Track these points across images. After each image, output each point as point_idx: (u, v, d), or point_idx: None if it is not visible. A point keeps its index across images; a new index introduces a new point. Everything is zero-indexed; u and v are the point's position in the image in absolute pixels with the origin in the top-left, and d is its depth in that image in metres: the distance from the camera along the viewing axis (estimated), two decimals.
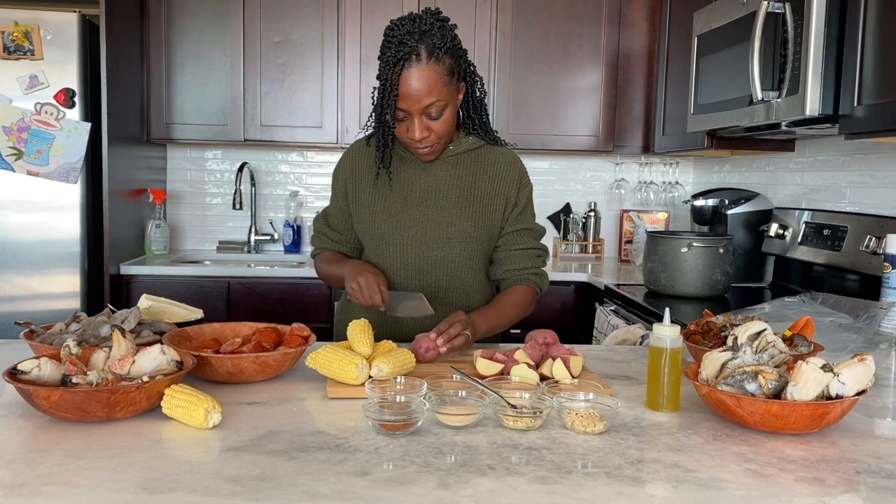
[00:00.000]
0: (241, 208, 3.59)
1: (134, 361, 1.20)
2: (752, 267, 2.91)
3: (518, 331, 1.75)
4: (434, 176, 1.71)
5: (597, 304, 2.90)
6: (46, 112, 2.89)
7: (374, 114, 1.66)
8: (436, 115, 1.58)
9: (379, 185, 1.72)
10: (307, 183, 3.81)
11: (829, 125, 2.11)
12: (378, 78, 1.60)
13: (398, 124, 1.61)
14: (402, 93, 1.54)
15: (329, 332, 1.98)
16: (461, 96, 1.65)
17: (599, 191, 3.90)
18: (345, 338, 1.47)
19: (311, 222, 1.88)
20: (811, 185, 2.75)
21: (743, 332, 1.30)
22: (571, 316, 3.21)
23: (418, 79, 1.52)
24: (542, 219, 3.77)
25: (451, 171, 1.72)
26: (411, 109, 1.56)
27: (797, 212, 2.70)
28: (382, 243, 1.72)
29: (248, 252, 3.70)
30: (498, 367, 1.39)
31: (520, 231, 1.75)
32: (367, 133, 1.77)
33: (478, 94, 1.70)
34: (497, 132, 1.81)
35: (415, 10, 1.60)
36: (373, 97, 1.65)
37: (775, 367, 1.21)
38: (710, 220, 3.05)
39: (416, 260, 1.70)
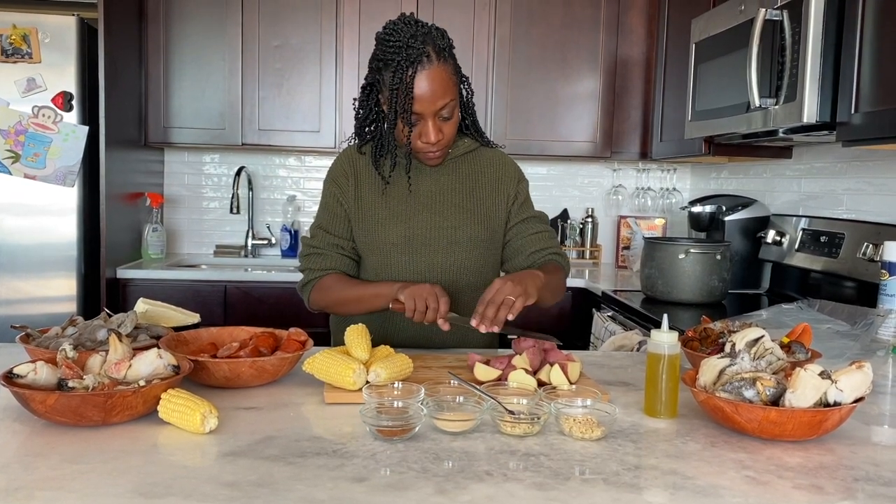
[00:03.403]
0: (238, 212, 3.59)
1: (130, 366, 1.20)
2: (749, 273, 2.91)
3: (515, 336, 1.74)
4: (436, 181, 1.70)
5: (594, 310, 2.90)
6: (44, 115, 2.89)
7: (360, 125, 1.66)
8: (447, 116, 1.57)
9: (381, 193, 1.69)
10: (305, 187, 3.81)
11: (826, 132, 2.12)
12: (364, 88, 1.60)
13: (406, 130, 1.56)
14: (417, 96, 1.51)
15: (326, 337, 1.98)
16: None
17: (597, 197, 3.91)
18: (342, 343, 1.46)
19: (301, 239, 1.84)
20: (808, 191, 2.76)
21: (741, 338, 1.31)
22: (569, 322, 3.21)
23: (433, 80, 1.51)
24: None
25: (452, 174, 1.71)
26: (425, 112, 1.54)
27: (794, 218, 2.71)
28: (391, 252, 1.68)
29: (246, 256, 3.70)
30: (496, 372, 1.39)
31: (528, 219, 1.76)
32: (353, 143, 1.74)
33: (466, 94, 1.69)
34: (484, 133, 1.81)
35: (414, 15, 1.59)
36: (355, 108, 1.65)
37: (773, 373, 1.20)
38: (707, 227, 3.06)
39: (425, 267, 1.69)
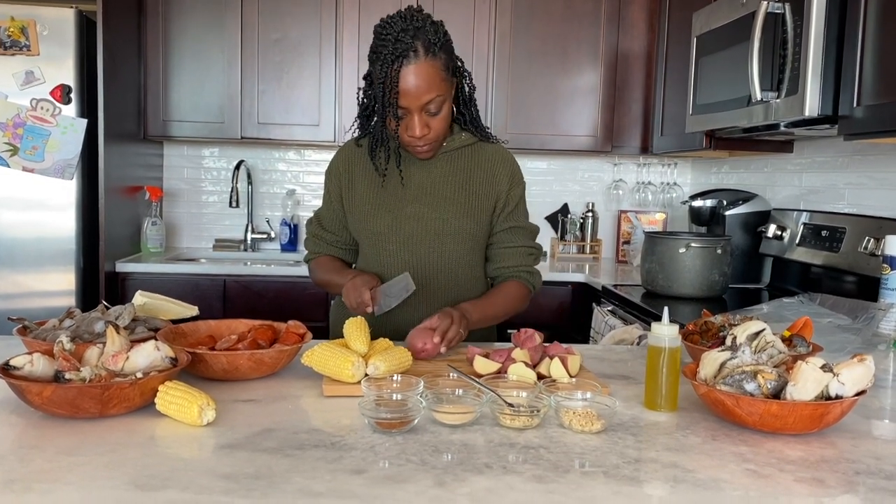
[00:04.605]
0: (237, 206, 3.58)
1: (128, 358, 1.19)
2: (750, 268, 2.90)
3: (515, 330, 1.74)
4: (429, 173, 1.71)
5: (594, 305, 2.89)
6: (42, 108, 2.88)
7: (362, 115, 1.66)
8: (435, 111, 1.57)
9: (374, 184, 1.72)
10: (304, 181, 3.80)
11: (827, 126, 2.10)
12: (366, 78, 1.60)
13: (394, 122, 1.59)
14: (401, 90, 1.53)
15: (325, 330, 1.98)
16: (453, 92, 1.64)
17: (597, 191, 3.90)
18: (340, 335, 1.46)
19: (306, 223, 1.88)
20: (809, 186, 2.75)
21: (742, 331, 1.30)
22: (569, 316, 3.20)
23: (418, 75, 1.52)
24: (539, 219, 3.77)
25: (446, 167, 1.71)
26: (411, 106, 1.55)
27: (795, 213, 2.70)
28: (380, 242, 1.72)
29: (245, 250, 3.69)
30: (495, 365, 1.38)
31: (511, 229, 1.76)
32: (354, 135, 1.76)
33: (467, 89, 1.69)
34: (489, 128, 1.80)
35: (421, 9, 1.59)
36: (358, 99, 1.66)
37: (774, 367, 1.20)
38: (707, 221, 3.05)
39: (414, 257, 1.70)
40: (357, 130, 1.73)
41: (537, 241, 1.81)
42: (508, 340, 1.76)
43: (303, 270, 3.08)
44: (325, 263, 1.80)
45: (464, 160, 1.72)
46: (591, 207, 3.78)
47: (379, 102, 1.56)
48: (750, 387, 1.14)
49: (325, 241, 1.81)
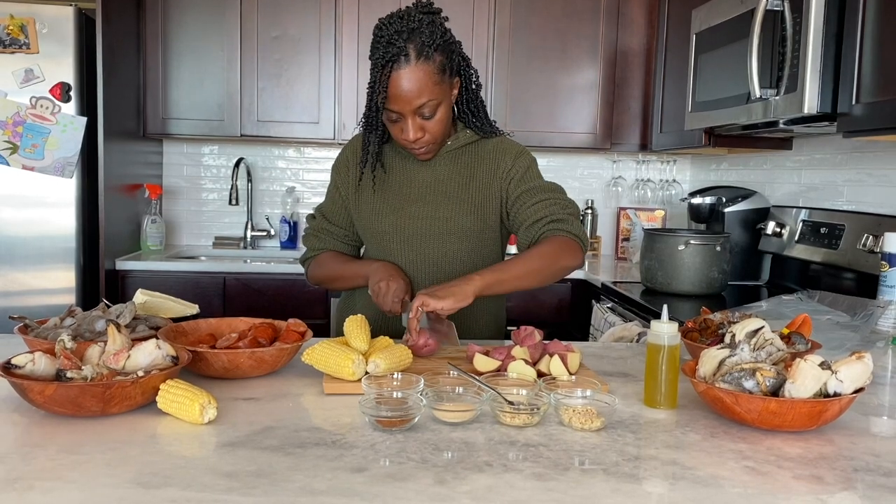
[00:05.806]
0: (237, 204, 3.58)
1: (129, 356, 1.20)
2: (749, 265, 2.91)
3: (515, 328, 1.75)
4: (433, 172, 1.70)
5: (593, 302, 2.90)
6: (42, 106, 2.88)
7: (365, 113, 1.66)
8: (429, 115, 1.55)
9: (379, 182, 1.71)
10: (304, 179, 3.80)
11: (827, 123, 2.11)
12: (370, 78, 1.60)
13: (392, 125, 1.58)
14: (392, 94, 1.51)
15: (325, 328, 1.99)
16: (455, 91, 1.62)
17: (597, 188, 3.90)
18: (342, 334, 1.46)
19: (306, 218, 1.87)
20: (808, 183, 2.75)
21: (741, 329, 1.30)
22: (568, 313, 3.21)
23: (408, 80, 1.49)
24: None
25: (450, 165, 1.71)
26: (403, 110, 1.53)
27: (794, 210, 2.70)
28: (384, 240, 1.71)
29: (245, 248, 3.69)
30: (495, 363, 1.39)
31: (528, 190, 1.66)
32: (360, 131, 1.76)
33: (473, 87, 1.66)
34: (495, 121, 1.79)
35: (409, 4, 1.57)
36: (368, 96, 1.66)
37: (773, 364, 1.20)
38: (707, 218, 3.05)
39: (418, 256, 1.70)
40: (363, 126, 1.72)
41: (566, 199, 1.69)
42: (509, 338, 1.77)
43: (302, 268, 3.08)
44: (331, 258, 1.78)
45: (467, 157, 1.71)
46: (590, 204, 3.78)
47: (372, 106, 1.56)
48: (749, 384, 1.15)
49: (333, 235, 1.79)
